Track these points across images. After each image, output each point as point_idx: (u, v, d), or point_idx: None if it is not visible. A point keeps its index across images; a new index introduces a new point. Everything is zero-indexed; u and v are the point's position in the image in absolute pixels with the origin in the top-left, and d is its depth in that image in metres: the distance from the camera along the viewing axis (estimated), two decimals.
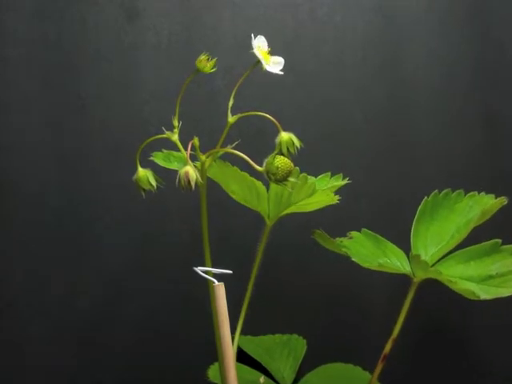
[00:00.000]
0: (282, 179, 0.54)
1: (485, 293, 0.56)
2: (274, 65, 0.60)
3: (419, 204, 0.82)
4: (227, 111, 0.59)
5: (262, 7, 0.84)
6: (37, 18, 0.82)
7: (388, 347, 0.62)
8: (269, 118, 0.57)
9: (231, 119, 0.58)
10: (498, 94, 0.87)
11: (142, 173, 0.57)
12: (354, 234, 0.65)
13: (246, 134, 0.82)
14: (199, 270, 0.54)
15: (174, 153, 0.64)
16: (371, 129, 0.85)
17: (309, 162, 0.83)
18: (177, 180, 0.54)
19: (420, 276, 0.62)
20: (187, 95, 0.83)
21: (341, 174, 0.66)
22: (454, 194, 0.65)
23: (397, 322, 0.63)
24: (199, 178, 0.54)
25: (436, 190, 0.65)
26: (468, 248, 0.61)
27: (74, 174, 0.81)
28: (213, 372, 0.68)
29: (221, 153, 0.58)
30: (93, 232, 0.80)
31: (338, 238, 0.63)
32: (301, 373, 0.72)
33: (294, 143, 0.57)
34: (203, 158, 0.57)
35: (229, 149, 0.56)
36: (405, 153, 0.85)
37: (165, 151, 0.64)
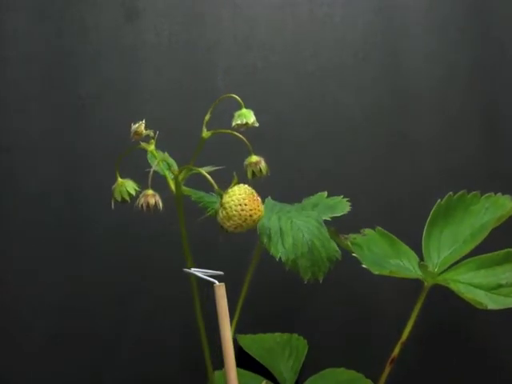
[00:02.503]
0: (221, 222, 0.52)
1: (493, 302, 0.56)
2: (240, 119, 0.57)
3: (419, 203, 0.83)
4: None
5: (262, 7, 0.84)
6: (37, 18, 0.82)
7: (397, 350, 0.62)
8: (241, 139, 0.55)
9: (205, 134, 0.56)
10: (497, 93, 0.87)
11: (120, 183, 0.55)
12: (367, 231, 0.64)
13: (246, 133, 0.82)
14: (194, 271, 0.53)
15: (165, 156, 0.64)
16: (371, 128, 0.85)
17: (309, 161, 0.84)
18: (137, 202, 0.53)
19: (431, 282, 0.62)
20: (187, 95, 0.84)
21: (341, 196, 0.65)
22: (470, 195, 0.64)
23: (406, 325, 0.62)
24: (159, 203, 0.53)
25: (450, 193, 0.64)
26: (480, 256, 0.61)
27: (74, 173, 0.81)
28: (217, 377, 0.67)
29: (194, 171, 0.56)
30: (93, 232, 0.80)
31: (351, 235, 0.63)
32: (304, 374, 0.72)
33: (261, 169, 0.56)
34: (176, 173, 0.56)
35: (199, 169, 0.54)
36: (405, 152, 0.85)
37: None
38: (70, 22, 0.83)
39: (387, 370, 0.62)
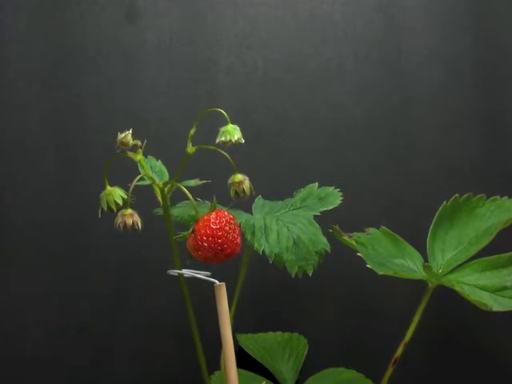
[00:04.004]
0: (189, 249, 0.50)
1: (498, 304, 0.56)
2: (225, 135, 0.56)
3: (419, 202, 0.83)
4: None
5: (262, 6, 0.84)
6: (37, 17, 0.82)
7: (399, 351, 0.62)
8: (225, 157, 0.54)
9: (190, 150, 0.56)
10: (498, 93, 0.86)
11: (108, 192, 0.54)
12: (372, 230, 0.64)
13: (246, 133, 0.82)
14: (185, 272, 0.52)
15: (158, 164, 0.64)
16: (372, 128, 0.84)
17: (309, 161, 0.84)
18: (115, 222, 0.53)
19: (435, 283, 0.61)
20: (187, 95, 0.84)
21: (332, 187, 0.65)
22: (475, 198, 0.64)
23: (410, 327, 0.62)
24: (138, 223, 0.53)
25: (456, 195, 0.64)
26: (486, 258, 0.60)
27: (73, 173, 0.81)
28: (215, 381, 0.67)
29: (175, 186, 0.55)
30: (93, 232, 0.80)
31: (355, 233, 0.62)
32: (304, 374, 0.72)
33: (244, 189, 0.54)
34: (160, 186, 0.56)
35: (180, 185, 0.53)
36: (405, 151, 0.85)
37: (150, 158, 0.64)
38: (70, 21, 0.83)
39: (390, 370, 0.62)
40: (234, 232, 0.48)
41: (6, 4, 0.82)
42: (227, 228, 0.47)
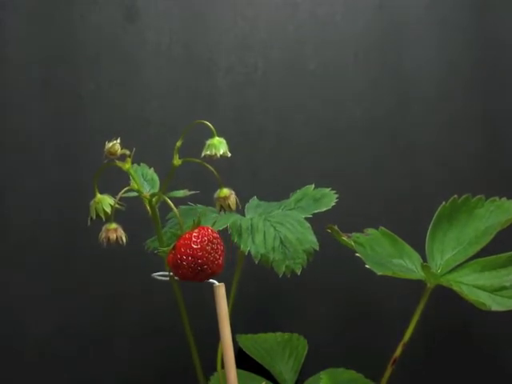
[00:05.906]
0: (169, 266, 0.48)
1: (497, 303, 0.56)
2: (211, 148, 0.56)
3: (419, 203, 0.83)
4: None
5: (262, 6, 0.84)
6: (37, 18, 0.82)
7: (398, 351, 0.62)
8: (211, 170, 0.54)
9: (176, 162, 0.55)
10: (498, 93, 0.86)
11: (97, 200, 0.54)
12: (370, 231, 0.64)
13: (247, 133, 0.82)
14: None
15: (150, 172, 0.64)
16: (372, 128, 0.84)
17: (309, 161, 0.84)
18: (99, 236, 0.53)
19: (434, 283, 0.61)
20: (187, 95, 0.84)
21: (329, 188, 0.64)
22: (474, 199, 0.64)
23: (408, 327, 0.62)
24: (122, 238, 0.53)
25: (455, 195, 0.65)
26: (484, 258, 0.61)
27: (73, 174, 0.81)
28: (214, 382, 0.67)
29: (162, 198, 0.55)
30: (93, 232, 0.80)
31: (354, 234, 0.62)
32: (304, 374, 0.72)
33: (229, 205, 0.54)
34: (147, 197, 0.55)
35: (166, 197, 0.52)
36: (405, 151, 0.85)
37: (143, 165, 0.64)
38: (70, 21, 0.83)
39: (389, 370, 0.62)
40: (216, 252, 0.46)
41: (6, 4, 0.82)
42: (209, 248, 0.46)
